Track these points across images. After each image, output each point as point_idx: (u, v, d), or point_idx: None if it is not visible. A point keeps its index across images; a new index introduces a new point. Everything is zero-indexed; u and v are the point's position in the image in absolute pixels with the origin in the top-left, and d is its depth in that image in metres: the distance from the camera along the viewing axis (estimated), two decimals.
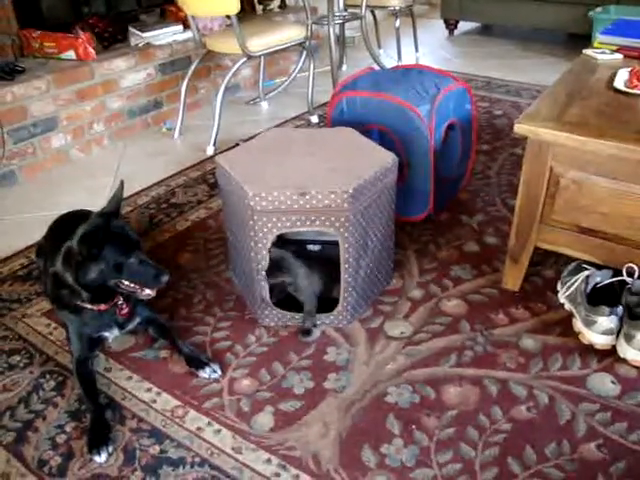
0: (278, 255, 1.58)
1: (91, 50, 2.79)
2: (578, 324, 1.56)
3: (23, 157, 2.56)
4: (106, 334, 1.53)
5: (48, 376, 1.52)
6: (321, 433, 1.33)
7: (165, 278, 1.42)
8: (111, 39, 3.04)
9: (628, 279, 1.51)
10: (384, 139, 1.97)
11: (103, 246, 1.36)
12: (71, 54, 2.76)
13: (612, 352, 1.50)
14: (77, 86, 2.70)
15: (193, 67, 2.97)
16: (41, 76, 2.57)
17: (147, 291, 1.44)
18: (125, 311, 1.51)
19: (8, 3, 2.73)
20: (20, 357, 1.58)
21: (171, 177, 2.55)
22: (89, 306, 1.45)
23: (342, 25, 3.82)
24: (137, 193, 2.41)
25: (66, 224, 1.77)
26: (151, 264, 1.43)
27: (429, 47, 4.50)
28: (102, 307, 1.46)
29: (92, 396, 1.42)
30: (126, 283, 1.42)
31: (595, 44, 2.13)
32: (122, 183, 1.51)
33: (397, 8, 3.92)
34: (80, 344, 1.49)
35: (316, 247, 1.79)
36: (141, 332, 1.62)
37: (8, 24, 2.75)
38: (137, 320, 1.57)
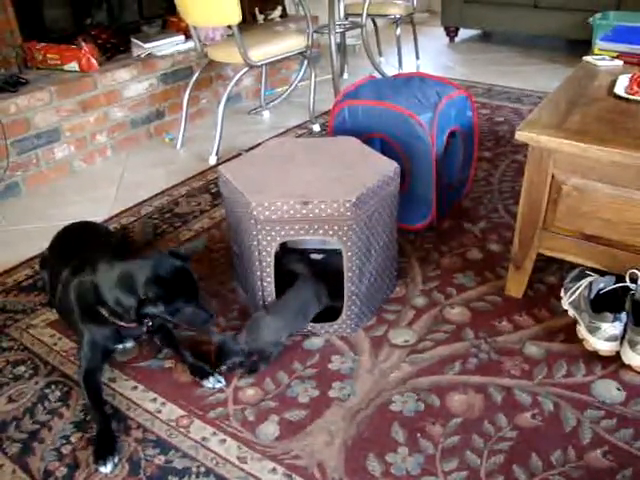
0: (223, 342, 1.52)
1: (94, 61, 2.80)
2: (582, 331, 1.56)
3: (26, 168, 2.58)
4: (120, 345, 1.55)
5: (53, 387, 1.52)
6: (326, 442, 1.33)
7: (211, 326, 1.49)
8: (113, 50, 3.06)
9: (631, 285, 1.51)
10: (386, 147, 1.98)
11: (166, 294, 1.38)
12: (74, 65, 2.78)
13: (616, 358, 1.50)
14: (80, 97, 2.72)
15: (195, 77, 2.98)
16: (44, 87, 2.59)
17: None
18: (150, 325, 1.53)
19: (12, 15, 2.74)
20: (25, 368, 1.58)
21: (174, 187, 2.56)
22: (122, 323, 1.46)
23: (343, 34, 3.84)
24: (140, 203, 2.42)
25: (73, 235, 1.78)
26: (204, 309, 1.45)
27: (430, 55, 4.52)
28: (133, 325, 1.47)
29: (98, 406, 1.42)
30: (170, 319, 1.45)
31: (595, 50, 2.14)
32: (204, 241, 1.55)
33: (398, 16, 3.95)
34: (93, 354, 1.49)
35: (319, 256, 1.80)
36: (146, 341, 1.62)
37: (12, 36, 2.78)
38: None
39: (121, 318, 1.44)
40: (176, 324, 1.48)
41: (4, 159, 2.46)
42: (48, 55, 2.79)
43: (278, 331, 1.55)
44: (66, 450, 1.34)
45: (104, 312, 1.44)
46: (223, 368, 1.51)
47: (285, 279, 1.63)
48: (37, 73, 2.78)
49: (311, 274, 1.67)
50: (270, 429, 1.37)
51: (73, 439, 1.37)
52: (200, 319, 1.45)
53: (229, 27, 2.69)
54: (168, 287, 1.38)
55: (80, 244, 1.73)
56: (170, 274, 1.40)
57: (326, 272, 1.67)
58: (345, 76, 4.00)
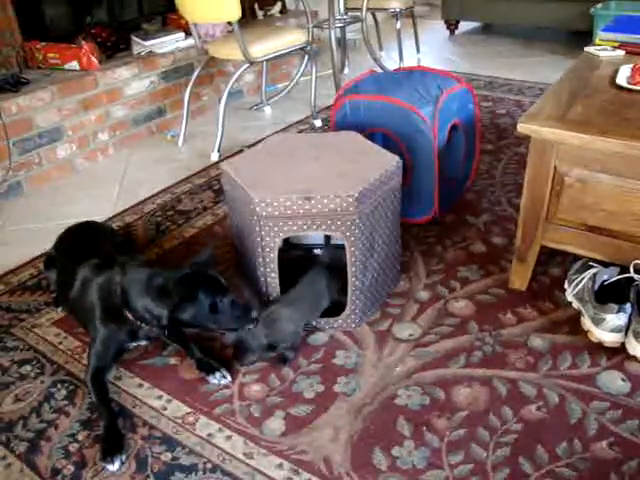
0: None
1: (94, 60, 2.80)
2: (586, 322, 1.56)
3: (29, 168, 2.58)
4: (134, 343, 1.55)
5: (59, 385, 1.52)
6: (332, 437, 1.33)
7: (254, 314, 1.47)
8: (114, 48, 3.06)
9: (635, 276, 1.51)
10: (388, 142, 1.98)
11: (198, 289, 1.40)
12: (75, 64, 2.78)
13: (621, 350, 1.50)
14: (81, 96, 2.72)
15: (196, 74, 2.98)
16: (45, 87, 2.59)
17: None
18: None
19: (12, 15, 2.74)
20: (31, 367, 1.59)
21: (176, 184, 2.56)
22: (144, 325, 1.46)
23: (343, 28, 3.83)
24: (143, 201, 2.42)
25: (80, 235, 1.79)
26: (240, 304, 1.47)
27: (430, 48, 4.51)
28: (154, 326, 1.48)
29: (106, 404, 1.42)
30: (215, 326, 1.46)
31: (596, 41, 2.13)
32: (212, 251, 1.56)
33: (398, 10, 3.94)
34: (105, 352, 1.49)
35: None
36: (158, 339, 1.62)
37: (12, 36, 2.77)
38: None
39: (147, 323, 1.45)
40: (214, 329, 1.49)
41: (6, 159, 2.46)
42: (49, 54, 2.80)
43: (295, 322, 1.54)
44: (73, 448, 1.35)
45: (129, 315, 1.45)
46: (246, 365, 1.52)
47: (289, 274, 1.63)
48: (38, 72, 2.78)
49: (325, 266, 1.66)
50: (276, 425, 1.37)
51: (80, 437, 1.37)
52: (241, 312, 1.45)
53: (229, 23, 2.68)
54: (198, 288, 1.40)
55: (89, 243, 1.73)
56: (199, 278, 1.43)
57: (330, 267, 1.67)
58: (346, 71, 3.99)
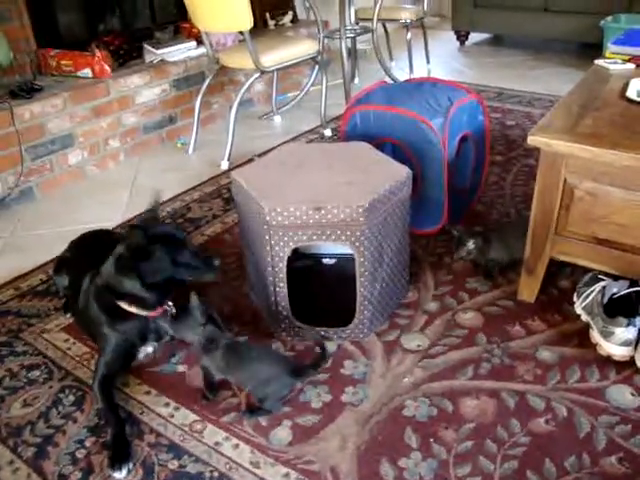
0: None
1: (107, 67, 2.83)
2: (595, 335, 1.55)
3: (41, 174, 2.60)
4: (142, 353, 1.56)
5: (67, 391, 1.53)
6: (339, 447, 1.33)
7: (216, 262, 1.53)
8: (126, 56, 3.09)
9: None
10: (397, 153, 1.98)
11: (153, 247, 1.44)
12: (87, 72, 2.81)
13: (631, 363, 1.49)
14: (93, 103, 2.74)
15: (207, 82, 3.00)
16: (58, 94, 2.62)
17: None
18: (174, 312, 1.55)
19: (27, 23, 2.78)
20: (40, 372, 1.60)
21: (186, 192, 2.57)
22: (143, 313, 1.48)
23: (354, 39, 3.85)
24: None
25: (91, 243, 1.79)
26: (202, 255, 1.52)
27: (441, 59, 4.52)
28: (153, 314, 1.50)
29: (114, 412, 1.42)
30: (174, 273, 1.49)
31: (607, 54, 2.13)
32: (158, 193, 1.65)
33: (408, 21, 3.96)
34: (115, 360, 1.50)
35: (332, 261, 1.80)
36: (167, 342, 1.63)
37: (27, 43, 2.81)
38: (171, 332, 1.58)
39: (143, 304, 1.47)
40: (184, 280, 1.53)
41: (19, 165, 2.49)
42: (62, 62, 2.82)
43: (217, 370, 1.45)
44: (80, 454, 1.35)
45: (125, 306, 1.46)
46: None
47: (297, 284, 1.63)
48: (51, 80, 2.80)
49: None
50: (283, 434, 1.37)
51: (87, 443, 1.38)
52: (202, 262, 1.50)
53: (240, 33, 2.70)
54: (146, 243, 1.45)
55: (100, 253, 1.74)
56: (147, 233, 1.47)
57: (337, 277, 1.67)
58: (356, 81, 4.01)
